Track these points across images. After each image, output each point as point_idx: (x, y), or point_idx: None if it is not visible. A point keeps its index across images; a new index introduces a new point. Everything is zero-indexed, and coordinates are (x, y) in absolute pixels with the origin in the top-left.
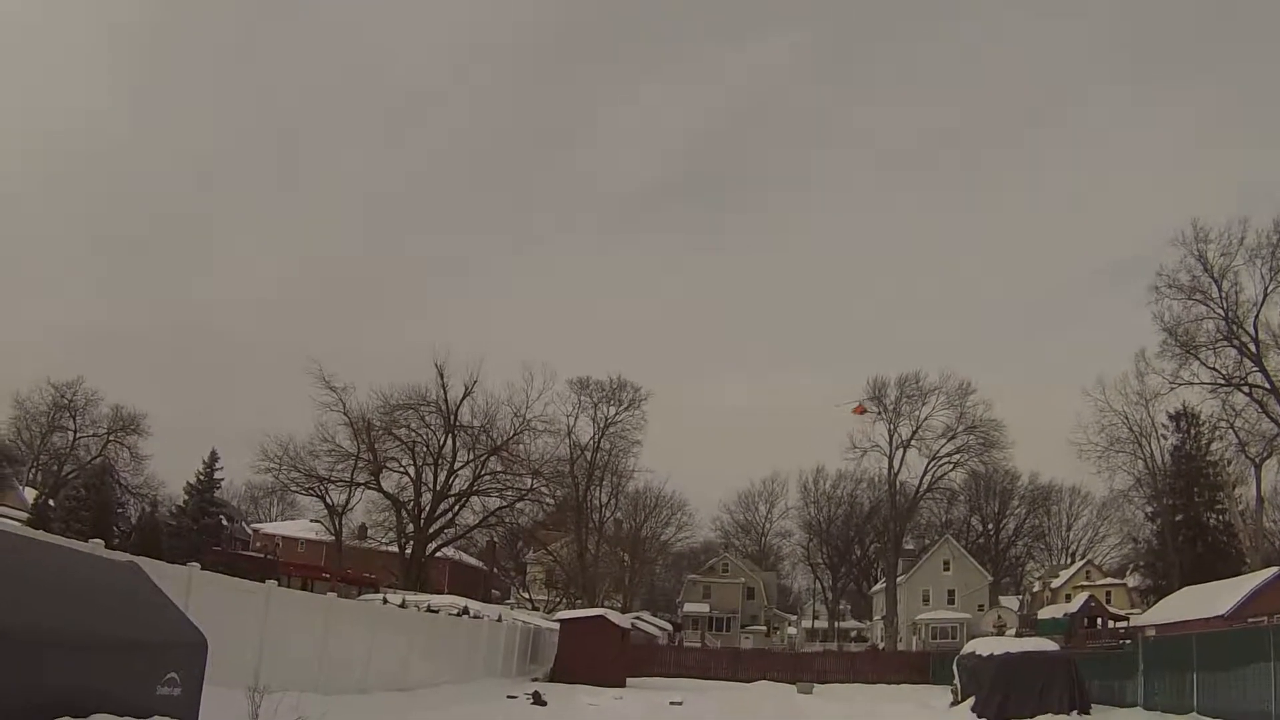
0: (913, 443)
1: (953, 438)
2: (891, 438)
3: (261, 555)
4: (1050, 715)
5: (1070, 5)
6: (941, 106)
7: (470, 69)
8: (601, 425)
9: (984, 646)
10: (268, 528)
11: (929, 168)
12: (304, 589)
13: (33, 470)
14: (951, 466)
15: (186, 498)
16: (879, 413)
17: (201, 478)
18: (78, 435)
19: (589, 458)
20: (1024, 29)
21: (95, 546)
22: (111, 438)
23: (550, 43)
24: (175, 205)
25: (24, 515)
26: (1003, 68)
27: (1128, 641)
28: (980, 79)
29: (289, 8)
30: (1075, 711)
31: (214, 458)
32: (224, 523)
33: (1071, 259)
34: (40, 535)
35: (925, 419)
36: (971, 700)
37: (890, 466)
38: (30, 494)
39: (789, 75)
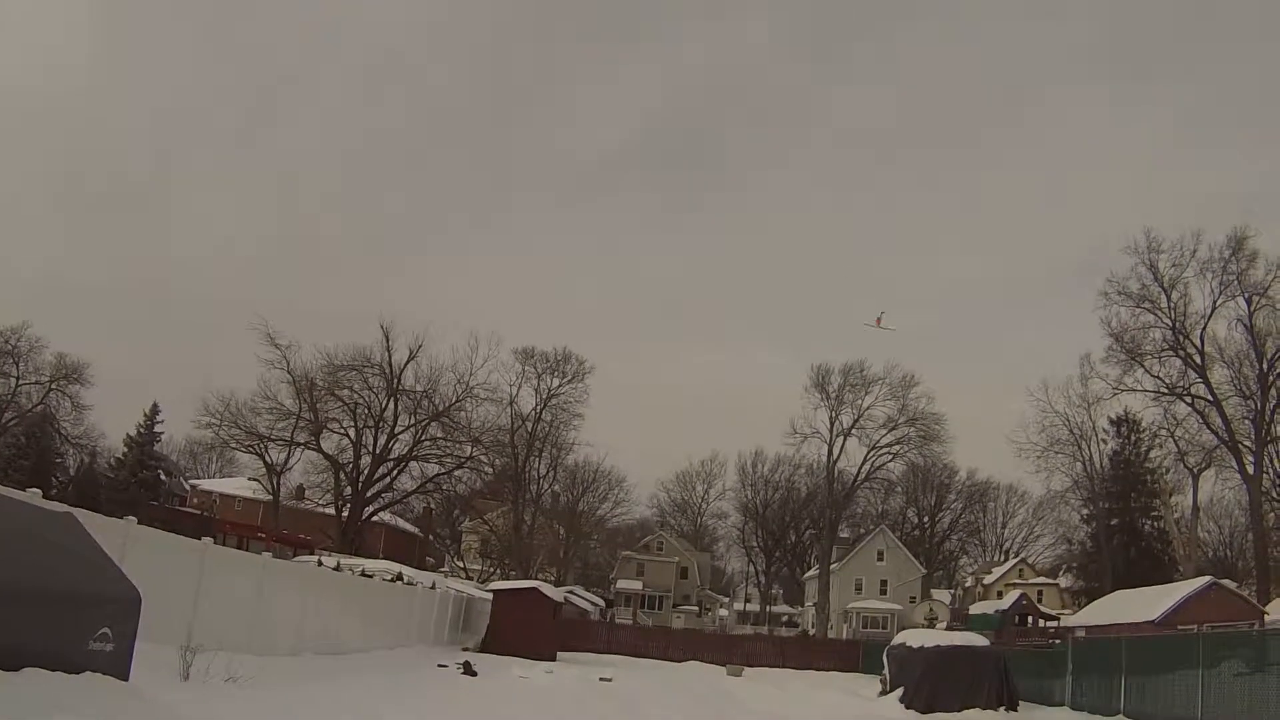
0: (853, 431)
1: (893, 428)
2: (832, 425)
3: (199, 512)
4: (978, 710)
5: (1038, 6)
6: (908, 100)
7: (437, 35)
8: (544, 396)
9: (915, 638)
10: (206, 484)
11: (890, 162)
12: (240, 548)
13: None
14: (891, 457)
15: (126, 450)
16: (821, 398)
17: (142, 430)
18: (20, 382)
19: (530, 428)
20: (988, 28)
21: (32, 496)
22: (53, 386)
23: (522, 8)
24: (134, 161)
25: None
26: (966, 65)
27: (1058, 641)
28: (944, 75)
29: None
30: (1003, 708)
31: (155, 411)
32: (162, 477)
33: (1031, 261)
34: None
35: (867, 408)
36: (900, 691)
37: (830, 453)
38: None
39: (764, 54)
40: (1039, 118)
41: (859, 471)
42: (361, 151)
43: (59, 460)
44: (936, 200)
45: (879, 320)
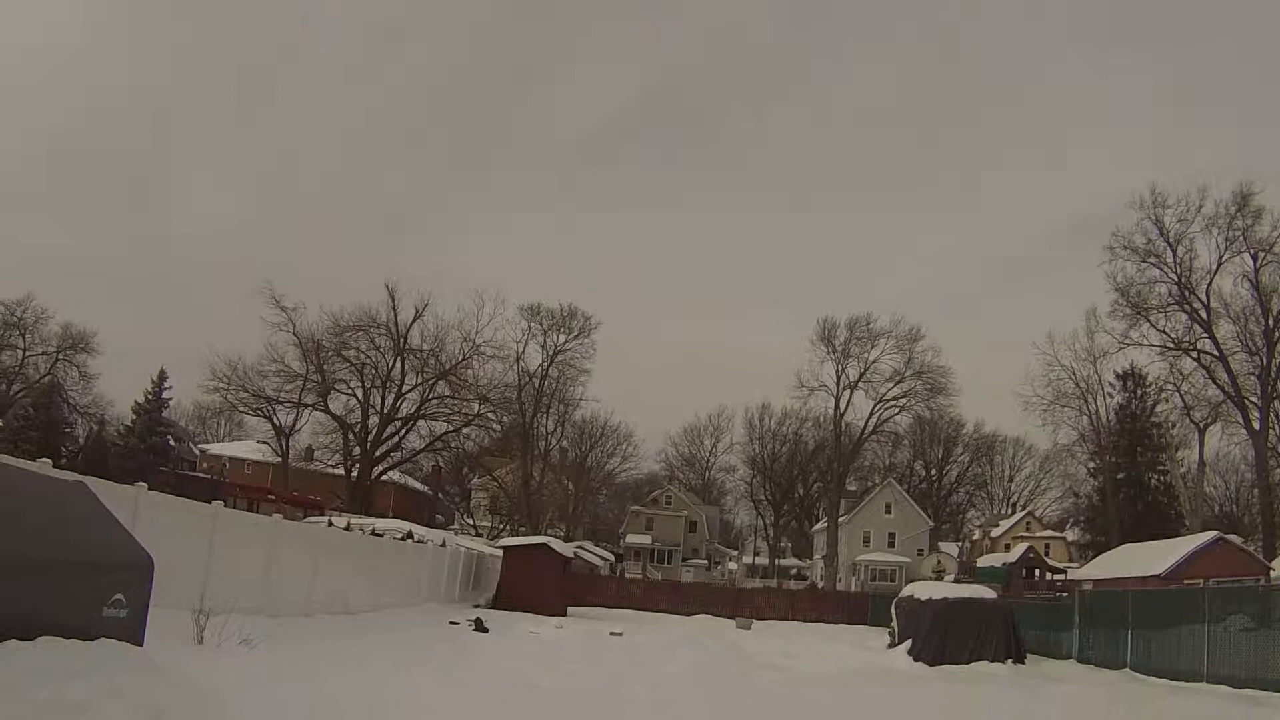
0: (860, 385)
1: (900, 381)
2: (839, 378)
3: (208, 476)
4: (986, 662)
5: None
6: (910, 61)
7: (435, 5)
8: (550, 353)
9: (923, 591)
10: (215, 448)
11: (896, 122)
12: (250, 510)
13: None
14: (897, 410)
15: (135, 417)
16: (828, 352)
17: (150, 397)
18: (26, 354)
19: (537, 385)
20: None
21: (43, 466)
22: (60, 356)
23: None
24: (133, 135)
25: None
26: (972, 26)
27: (1065, 595)
28: (950, 35)
29: None
30: (1010, 660)
31: (162, 377)
32: (171, 443)
33: (1032, 216)
34: None
35: (873, 361)
36: (908, 643)
37: (836, 407)
38: None
39: (764, 19)
40: (1045, 78)
41: (866, 424)
42: (361, 124)
43: (68, 430)
44: (939, 159)
45: None
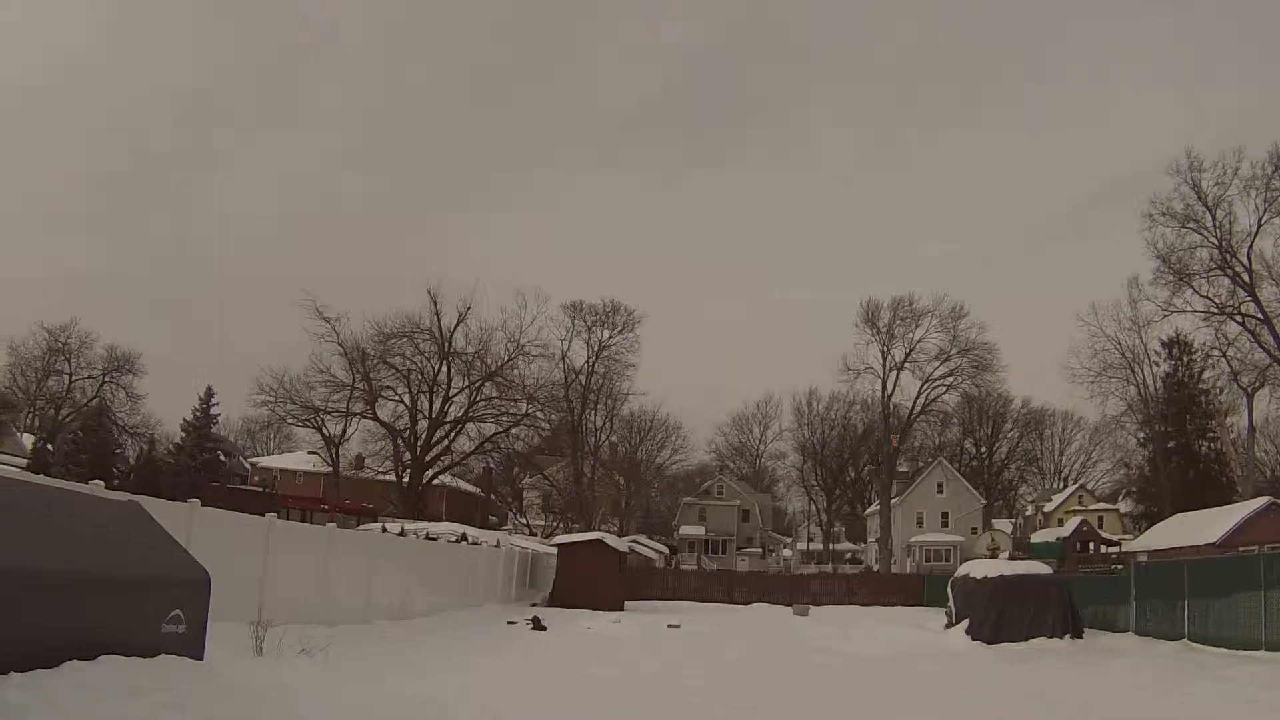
0: (906, 365)
1: (946, 360)
2: (885, 360)
3: (260, 489)
4: (1044, 639)
5: None
6: (941, 24)
7: None
8: (595, 349)
9: (978, 569)
10: (265, 461)
11: (928, 84)
12: (304, 521)
13: (29, 415)
14: (945, 389)
15: (184, 435)
16: (872, 334)
17: (198, 414)
18: (73, 378)
19: (584, 381)
20: None
21: (95, 488)
22: (107, 379)
23: None
24: (161, 141)
25: (23, 461)
26: None
27: (1120, 567)
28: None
29: None
30: (1068, 635)
31: (209, 394)
32: (222, 458)
33: (1067, 178)
34: (40, 479)
35: (919, 341)
36: (966, 623)
37: (884, 388)
38: (28, 439)
39: None
40: (1069, 37)
41: (914, 405)
42: (391, 120)
43: (118, 451)
44: (971, 130)
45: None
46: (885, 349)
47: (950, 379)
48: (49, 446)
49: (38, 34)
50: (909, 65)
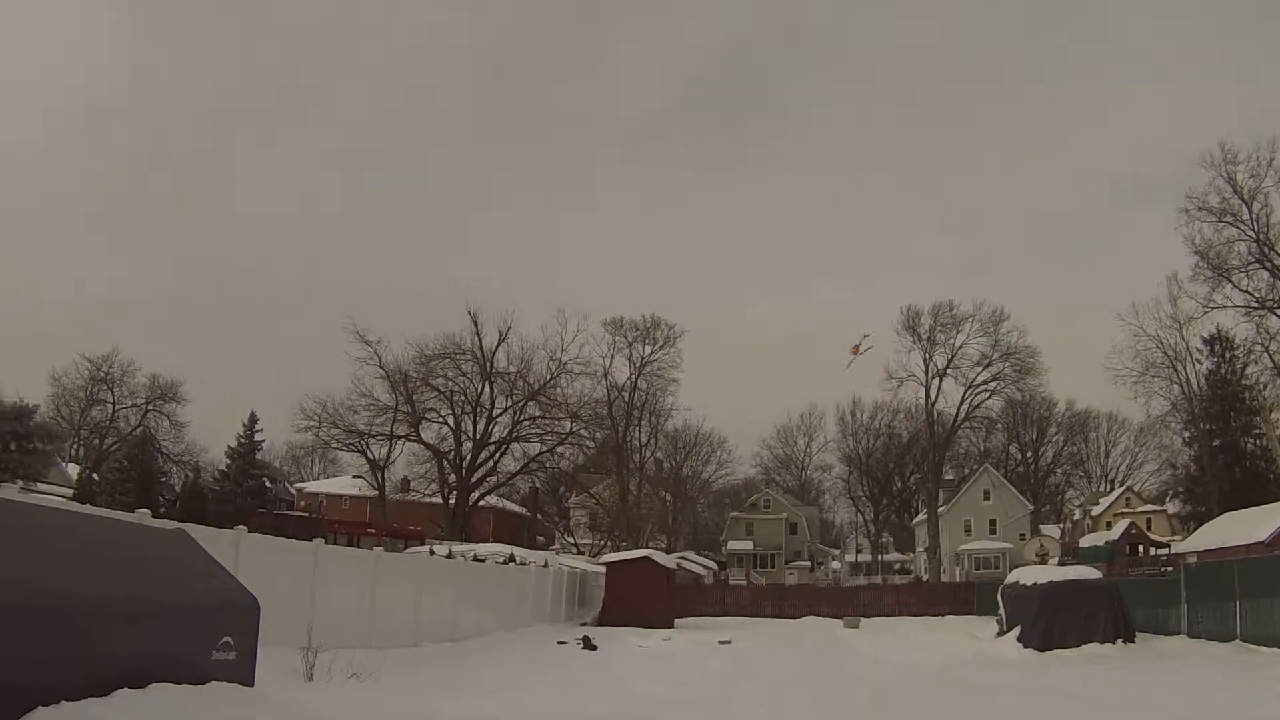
0: (948, 371)
1: (988, 365)
2: (927, 367)
3: (306, 514)
4: (1095, 644)
5: None
6: (964, 14)
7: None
8: (637, 365)
9: (1028, 576)
10: (311, 486)
11: (954, 80)
12: (351, 545)
13: (74, 445)
14: (988, 394)
15: (229, 462)
16: (914, 341)
17: (242, 441)
18: (116, 407)
19: (627, 398)
20: None
21: (142, 516)
22: (150, 407)
23: None
24: (187, 159)
25: (69, 490)
26: None
27: (1170, 569)
28: None
29: None
30: (1119, 640)
31: (253, 420)
32: (267, 484)
33: (1094, 173)
34: (87, 509)
35: (960, 347)
36: (1017, 630)
37: (927, 396)
38: (73, 469)
39: None
40: (1092, 33)
41: (958, 411)
42: (415, 129)
43: (163, 479)
44: (996, 127)
45: (857, 348)
46: (927, 356)
47: (993, 384)
48: (94, 476)
49: (59, 54)
50: (930, 62)
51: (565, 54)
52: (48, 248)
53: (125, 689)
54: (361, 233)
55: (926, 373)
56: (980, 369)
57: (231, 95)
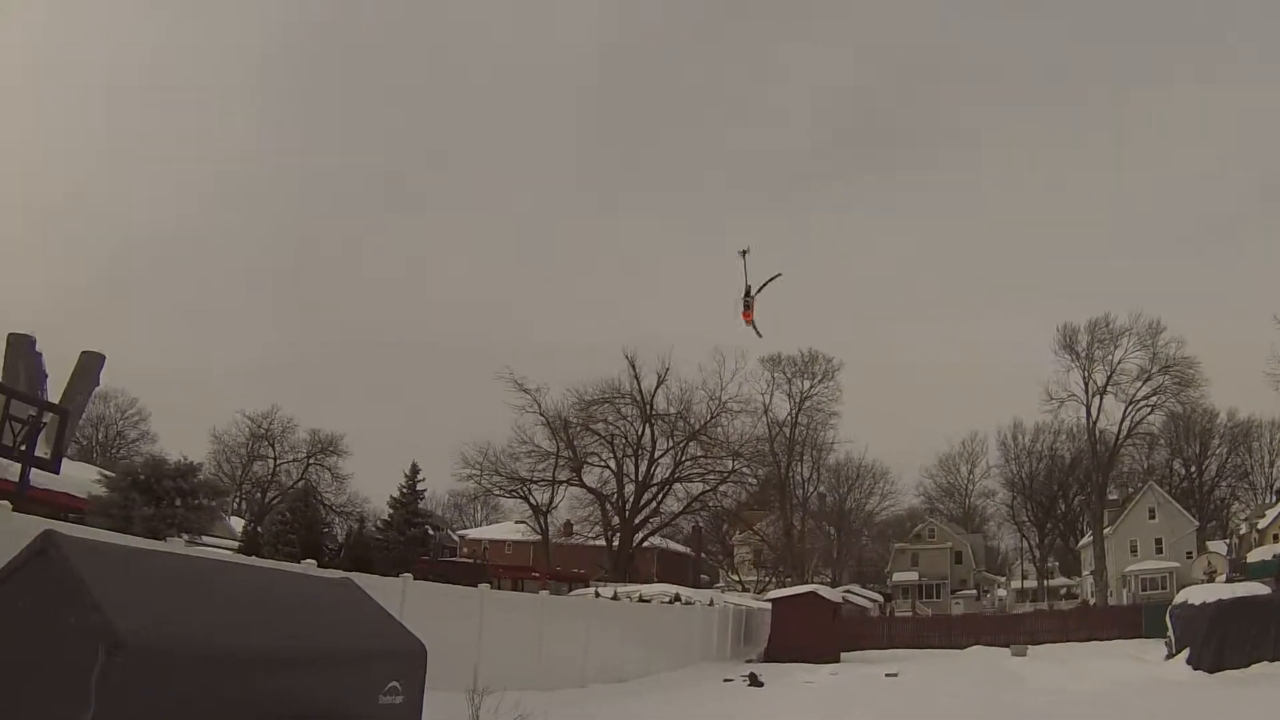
0: (1108, 389)
1: (1148, 379)
2: (1087, 385)
3: (470, 560)
4: (1266, 663)
5: None
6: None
7: (611, 49)
8: (797, 400)
9: (1196, 595)
10: (474, 533)
11: (1087, 96)
12: (515, 589)
13: (237, 499)
14: (1149, 410)
15: (391, 511)
16: (1072, 359)
17: (404, 490)
18: (278, 462)
19: (788, 434)
20: None
21: (307, 566)
22: (311, 461)
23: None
24: (335, 225)
25: (234, 544)
26: None
27: None
28: None
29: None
30: None
31: (415, 470)
32: (430, 532)
33: (1240, 176)
34: (253, 560)
35: (1119, 363)
36: (1186, 652)
37: (1088, 415)
38: (237, 523)
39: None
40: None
41: (1119, 429)
42: (552, 176)
43: (326, 529)
44: (1151, 133)
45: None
46: (1086, 374)
47: (1154, 398)
48: (258, 529)
49: (213, 138)
50: (1069, 68)
51: (713, 96)
52: (209, 320)
53: None
54: (513, 298)
55: (1086, 391)
56: (1140, 383)
57: (382, 159)
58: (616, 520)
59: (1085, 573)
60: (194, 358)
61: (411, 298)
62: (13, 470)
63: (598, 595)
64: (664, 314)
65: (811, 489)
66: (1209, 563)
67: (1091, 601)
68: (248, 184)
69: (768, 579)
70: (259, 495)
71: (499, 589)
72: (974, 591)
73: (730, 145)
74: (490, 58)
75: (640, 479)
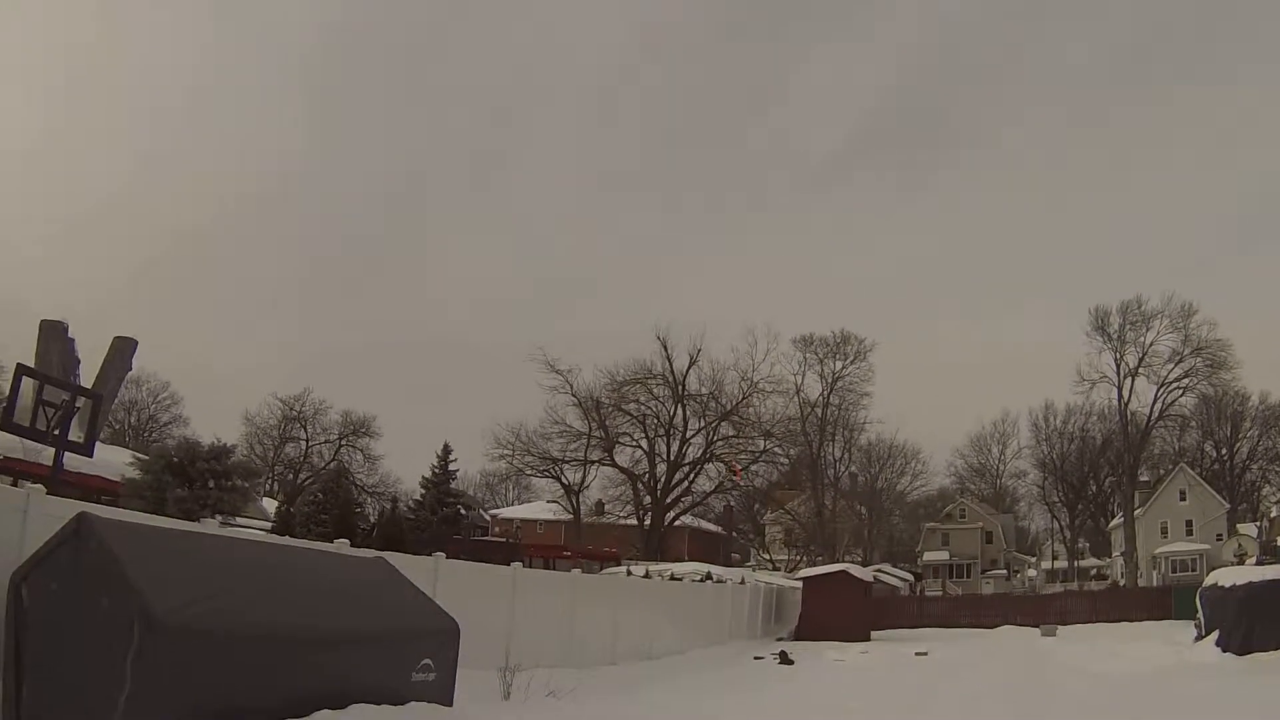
0: (1140, 370)
1: (1179, 361)
2: (1119, 367)
3: (502, 539)
4: None
5: None
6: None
7: (651, 45)
8: (829, 381)
9: (1226, 577)
10: (505, 512)
11: (1127, 82)
12: (547, 568)
13: (269, 481)
14: (1181, 392)
15: (423, 491)
16: (1104, 341)
17: (436, 471)
18: (310, 443)
19: (819, 414)
20: None
21: (341, 546)
22: (343, 442)
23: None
24: (377, 222)
25: (267, 524)
26: None
27: None
28: None
29: (460, 8)
30: None
31: (447, 450)
32: (462, 512)
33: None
34: (287, 540)
35: (1151, 345)
36: (1215, 635)
37: (1120, 396)
38: (270, 504)
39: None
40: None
41: (1151, 411)
42: (598, 177)
43: (359, 510)
44: (1172, 128)
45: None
46: (1118, 355)
47: (1186, 380)
48: (291, 509)
49: (253, 142)
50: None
51: (744, 93)
52: (246, 316)
53: (325, 710)
54: (552, 284)
55: (1118, 373)
56: (1172, 365)
57: (422, 159)
58: (648, 499)
59: (1115, 554)
60: (231, 350)
61: (449, 291)
62: (46, 454)
63: (629, 574)
64: (698, 297)
65: (843, 469)
66: (1239, 545)
67: (1121, 583)
68: (288, 181)
69: (799, 558)
70: (291, 476)
71: (531, 568)
72: (1004, 571)
73: (770, 130)
74: (521, 58)
75: (672, 459)
